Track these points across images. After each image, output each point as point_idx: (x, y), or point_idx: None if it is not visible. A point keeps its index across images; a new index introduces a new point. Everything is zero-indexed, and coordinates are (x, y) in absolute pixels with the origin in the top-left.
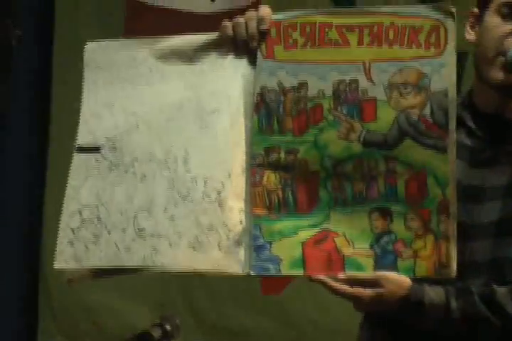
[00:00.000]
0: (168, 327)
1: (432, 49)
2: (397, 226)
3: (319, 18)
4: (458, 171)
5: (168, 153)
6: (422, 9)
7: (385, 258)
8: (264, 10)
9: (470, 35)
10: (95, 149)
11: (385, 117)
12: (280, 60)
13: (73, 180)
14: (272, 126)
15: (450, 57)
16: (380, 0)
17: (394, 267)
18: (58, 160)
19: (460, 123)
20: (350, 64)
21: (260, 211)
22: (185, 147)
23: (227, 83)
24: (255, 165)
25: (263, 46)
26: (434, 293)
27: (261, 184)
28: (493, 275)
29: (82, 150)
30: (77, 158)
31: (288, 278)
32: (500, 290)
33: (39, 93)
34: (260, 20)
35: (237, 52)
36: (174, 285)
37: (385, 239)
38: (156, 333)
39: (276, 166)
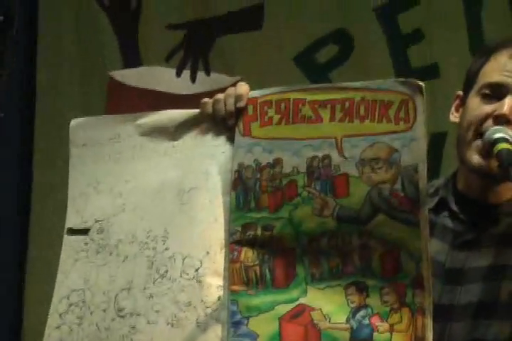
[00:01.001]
0: None
1: (402, 123)
2: (373, 300)
3: (293, 95)
4: (441, 253)
5: (149, 232)
6: (391, 83)
7: (361, 332)
8: (242, 87)
9: (454, 118)
10: (84, 231)
11: (358, 192)
12: (256, 137)
13: (63, 265)
14: (248, 202)
15: (419, 131)
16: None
17: (369, 340)
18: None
19: (444, 205)
20: (322, 139)
21: (238, 287)
22: (165, 226)
23: (207, 160)
24: (233, 242)
25: (240, 123)
26: None
27: (238, 260)
28: None
29: (72, 232)
30: (67, 241)
31: None
32: None
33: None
34: (238, 98)
35: (216, 129)
36: None
37: (362, 313)
38: None
39: (253, 243)
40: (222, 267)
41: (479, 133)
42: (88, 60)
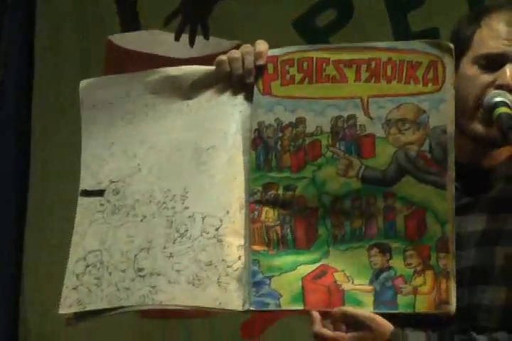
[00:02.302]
0: None
1: (430, 85)
2: (397, 262)
3: (316, 54)
4: None
5: (167, 192)
6: (419, 44)
7: (384, 294)
8: (261, 45)
9: None
10: (99, 192)
11: (384, 153)
12: (277, 96)
13: (79, 226)
14: (269, 162)
15: (448, 93)
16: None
17: (394, 303)
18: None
19: None
20: (347, 100)
21: (259, 247)
22: (183, 185)
23: (224, 119)
24: (253, 202)
25: (260, 82)
26: (415, 339)
27: (259, 220)
28: (468, 322)
29: (87, 193)
30: (82, 202)
31: (269, 322)
32: (480, 339)
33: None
34: (257, 55)
35: (233, 88)
36: (158, 338)
37: (385, 275)
38: None
39: (274, 203)
40: (243, 227)
41: (481, 103)
42: (87, 25)
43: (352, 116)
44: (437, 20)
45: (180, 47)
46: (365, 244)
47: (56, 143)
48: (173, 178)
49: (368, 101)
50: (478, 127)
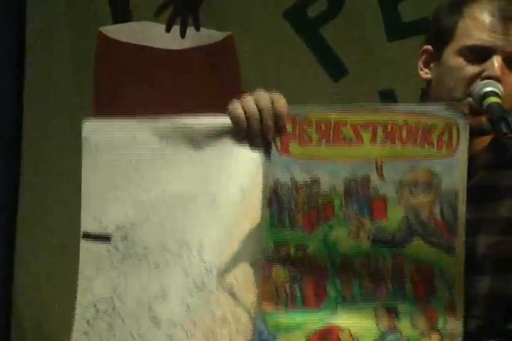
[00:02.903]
0: None
1: (444, 149)
2: (404, 324)
3: (334, 116)
4: None
5: (181, 243)
6: (436, 108)
7: None
8: (280, 104)
9: (425, 74)
10: (105, 238)
11: (395, 215)
12: (294, 156)
13: (85, 271)
14: (283, 221)
15: (462, 157)
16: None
17: None
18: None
19: None
20: (362, 161)
21: (268, 305)
22: (199, 238)
23: (240, 174)
24: (265, 259)
25: (278, 141)
26: None
27: (270, 278)
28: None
29: (90, 237)
30: (86, 246)
31: None
32: None
33: None
34: (278, 117)
35: (250, 142)
36: None
37: (391, 337)
38: None
39: (285, 261)
40: (255, 284)
41: (469, 93)
42: (78, 16)
43: (365, 178)
44: (428, 10)
45: (172, 39)
46: (373, 304)
47: (48, 143)
48: (189, 230)
49: (382, 164)
50: None
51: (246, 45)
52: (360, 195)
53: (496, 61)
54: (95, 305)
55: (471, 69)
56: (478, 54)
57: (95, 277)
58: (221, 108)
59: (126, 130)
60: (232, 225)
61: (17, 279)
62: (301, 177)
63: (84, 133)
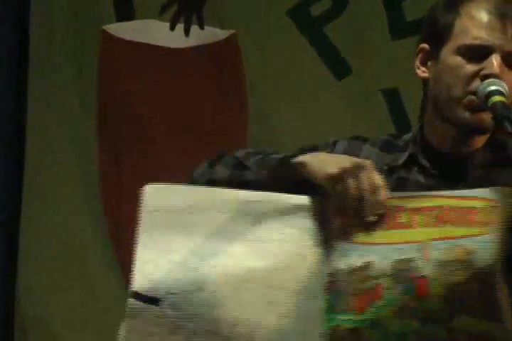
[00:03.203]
0: None
1: (483, 227)
2: None
3: (393, 202)
4: None
5: (232, 328)
6: (483, 191)
7: None
8: (383, 191)
9: (422, 73)
10: (154, 300)
11: (437, 293)
12: (355, 242)
13: (132, 334)
14: (339, 305)
15: (500, 234)
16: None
17: None
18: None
19: (414, 160)
20: (410, 244)
21: None
22: (251, 324)
23: (296, 259)
24: None
25: (338, 227)
26: None
27: None
28: None
29: (140, 297)
30: (134, 306)
31: None
32: None
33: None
34: (379, 205)
35: (312, 227)
36: None
37: None
38: None
39: None
40: None
41: (469, 91)
42: (82, 15)
43: (411, 260)
44: None
45: (176, 37)
46: None
47: (51, 142)
48: (242, 313)
49: (428, 245)
50: (466, 113)
51: (250, 43)
52: (406, 276)
53: (495, 59)
54: None
55: (470, 67)
56: (477, 53)
57: None
58: (224, 107)
59: (185, 197)
60: (286, 313)
61: (20, 278)
62: (356, 262)
63: (145, 196)
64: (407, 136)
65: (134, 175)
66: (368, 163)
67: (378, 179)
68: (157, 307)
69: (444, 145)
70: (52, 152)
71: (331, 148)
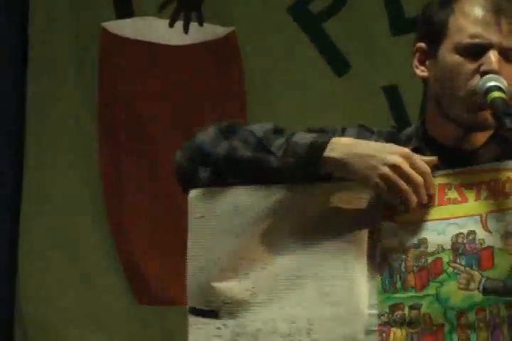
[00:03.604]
0: None
1: None
2: None
3: (439, 180)
4: None
5: (291, 324)
6: None
7: None
8: (431, 177)
9: (421, 72)
10: (213, 313)
11: (503, 264)
12: (401, 222)
13: None
14: (395, 283)
15: None
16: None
17: None
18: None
19: (417, 153)
20: (467, 217)
21: None
22: (307, 317)
23: (344, 246)
24: (381, 324)
25: (382, 208)
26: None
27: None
28: None
29: (198, 313)
30: (195, 322)
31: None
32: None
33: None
34: (429, 187)
35: (355, 214)
36: (154, 324)
37: None
38: None
39: (401, 323)
40: None
41: (470, 89)
42: (81, 12)
43: (472, 232)
44: None
45: (175, 34)
46: None
47: (51, 139)
48: (297, 309)
49: (486, 217)
50: (468, 115)
51: (249, 40)
52: (468, 249)
53: (493, 55)
54: None
55: (469, 65)
56: (474, 50)
57: None
58: (223, 105)
59: (229, 198)
60: (339, 301)
61: (21, 277)
62: (409, 240)
63: (190, 203)
64: (407, 131)
65: (135, 175)
66: (406, 151)
67: (422, 164)
68: (217, 320)
69: (448, 141)
70: (53, 151)
71: (339, 134)
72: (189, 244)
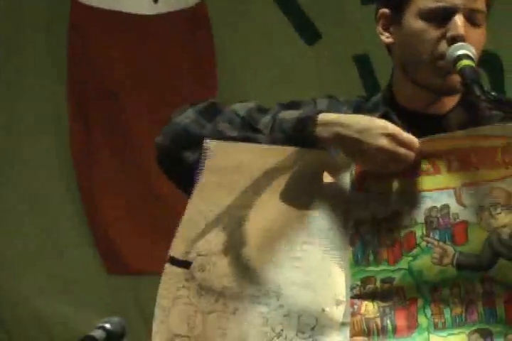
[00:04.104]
0: (110, 327)
1: (511, 167)
2: None
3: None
4: None
5: (259, 286)
6: (498, 130)
7: None
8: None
9: (387, 38)
10: (186, 264)
11: (477, 239)
12: (372, 192)
13: (162, 299)
14: (367, 257)
15: None
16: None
17: None
18: None
19: (387, 120)
20: (441, 190)
21: (358, 338)
22: (277, 281)
23: (319, 215)
24: (353, 296)
25: (354, 179)
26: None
27: (359, 313)
28: None
29: (174, 261)
30: (169, 271)
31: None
32: None
33: None
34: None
35: (331, 185)
36: (126, 293)
37: None
38: (99, 335)
39: (373, 296)
40: (339, 323)
41: (437, 55)
42: None
43: (445, 206)
44: None
45: (144, 3)
46: (465, 330)
47: (24, 111)
48: (266, 272)
49: (460, 190)
50: (436, 79)
51: (219, 10)
52: (441, 223)
53: (459, 20)
54: None
55: (435, 31)
56: (440, 15)
57: (171, 308)
58: (193, 74)
59: (238, 154)
60: (311, 267)
61: None
62: (382, 212)
63: (203, 154)
64: (375, 98)
65: (104, 142)
66: (390, 125)
67: (405, 135)
68: (188, 271)
69: (415, 106)
70: (21, 120)
71: (311, 106)
72: (192, 196)
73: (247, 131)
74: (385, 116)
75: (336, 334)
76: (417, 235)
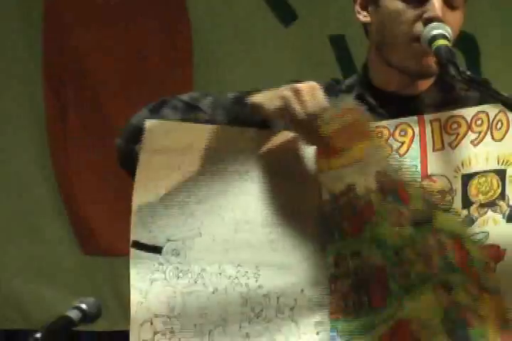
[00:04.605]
0: (85, 308)
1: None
2: (460, 295)
3: (348, 119)
4: None
5: (238, 267)
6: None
7: (457, 331)
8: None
9: (364, 17)
10: (156, 249)
11: (415, 194)
12: (324, 170)
13: (137, 282)
14: (332, 234)
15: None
16: None
17: (467, 337)
18: None
19: (361, 101)
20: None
21: (336, 314)
22: (255, 262)
23: (290, 196)
24: (327, 276)
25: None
26: None
27: (335, 291)
28: None
29: (140, 246)
30: (137, 255)
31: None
32: None
33: None
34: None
35: (295, 165)
36: (101, 273)
37: (452, 310)
38: (75, 315)
39: (346, 272)
40: (319, 302)
41: (412, 37)
42: None
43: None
44: None
45: None
46: (429, 285)
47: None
48: (244, 253)
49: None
50: (411, 61)
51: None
52: (388, 186)
53: (436, 1)
54: (152, 323)
55: (411, 12)
56: None
57: (149, 290)
58: (169, 56)
59: (185, 135)
60: (287, 248)
61: None
62: (337, 187)
63: (144, 135)
64: (349, 80)
65: (80, 126)
66: (312, 84)
67: (321, 98)
68: (160, 255)
69: (390, 87)
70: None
71: None
72: (137, 177)
73: (190, 111)
74: (359, 97)
75: (314, 314)
76: (374, 202)
